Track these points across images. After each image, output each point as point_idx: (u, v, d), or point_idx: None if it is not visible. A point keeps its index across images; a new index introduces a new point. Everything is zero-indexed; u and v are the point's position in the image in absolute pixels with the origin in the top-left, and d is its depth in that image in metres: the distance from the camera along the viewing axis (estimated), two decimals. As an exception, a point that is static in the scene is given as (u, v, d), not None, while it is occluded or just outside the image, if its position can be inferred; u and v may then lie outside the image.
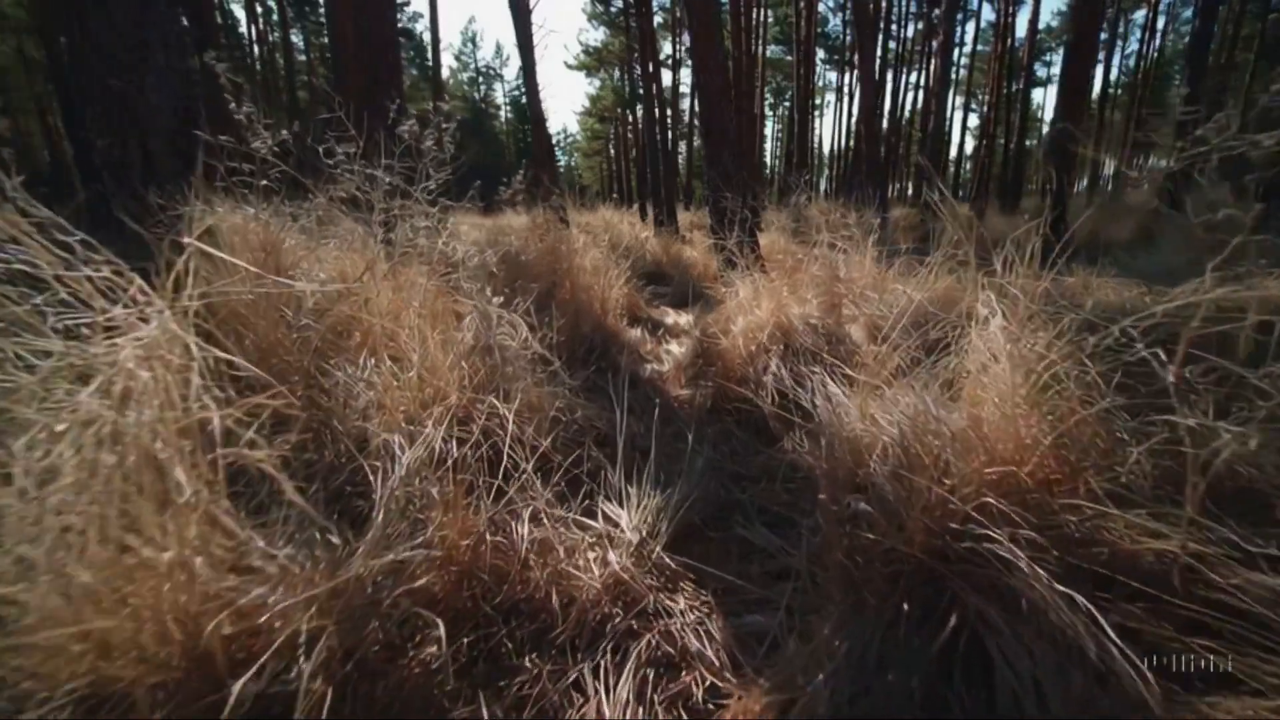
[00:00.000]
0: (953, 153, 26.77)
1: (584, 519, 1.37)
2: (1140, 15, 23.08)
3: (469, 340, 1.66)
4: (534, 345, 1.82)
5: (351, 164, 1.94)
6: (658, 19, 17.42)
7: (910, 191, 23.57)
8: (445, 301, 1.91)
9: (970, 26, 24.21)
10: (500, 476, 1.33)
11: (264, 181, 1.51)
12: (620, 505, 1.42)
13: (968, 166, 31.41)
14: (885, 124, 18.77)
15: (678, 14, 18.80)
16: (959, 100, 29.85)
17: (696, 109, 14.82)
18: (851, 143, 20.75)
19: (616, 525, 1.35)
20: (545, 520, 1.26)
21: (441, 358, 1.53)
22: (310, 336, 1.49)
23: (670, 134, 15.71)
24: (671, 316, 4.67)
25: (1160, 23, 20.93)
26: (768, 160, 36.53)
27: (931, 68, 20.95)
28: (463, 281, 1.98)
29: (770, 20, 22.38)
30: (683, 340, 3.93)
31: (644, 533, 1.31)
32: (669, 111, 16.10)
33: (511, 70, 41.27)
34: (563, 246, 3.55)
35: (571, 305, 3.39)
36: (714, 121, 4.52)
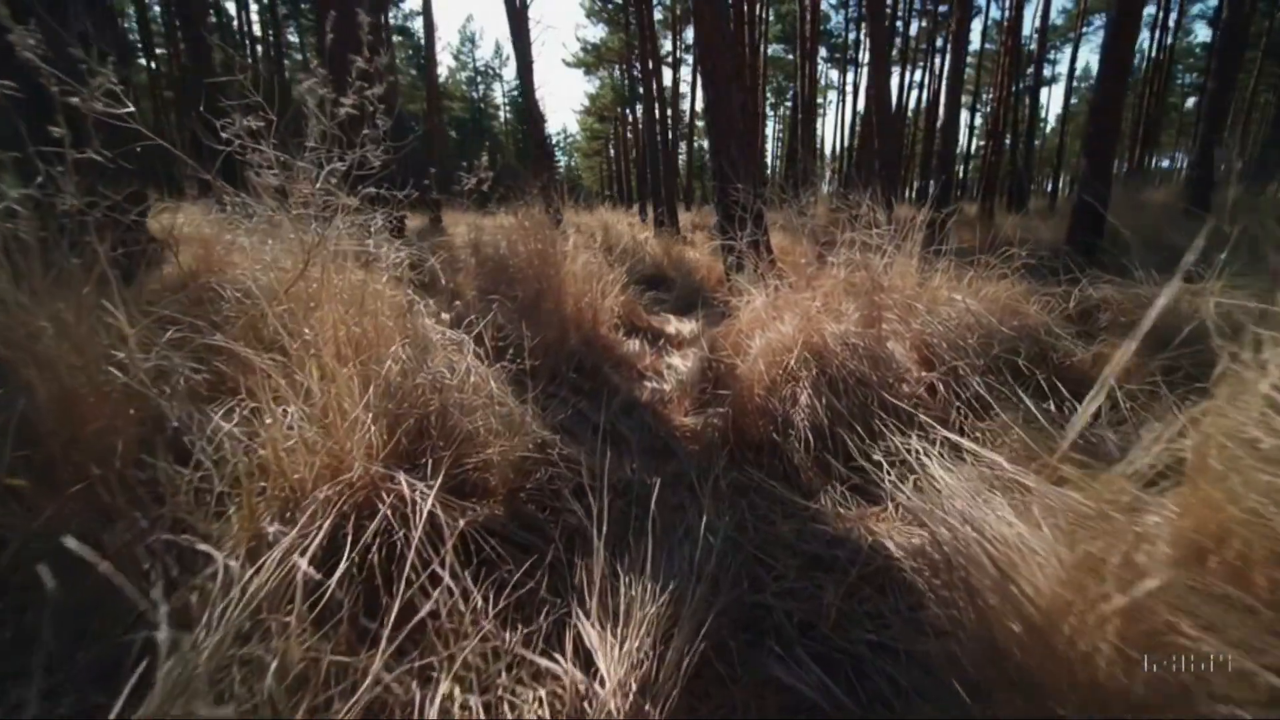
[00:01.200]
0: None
1: (542, 660, 0.90)
2: (1146, 13, 22.59)
3: (395, 376, 1.20)
4: (491, 384, 1.35)
5: (256, 143, 1.48)
6: (657, 14, 17.03)
7: (915, 190, 23.08)
8: (377, 321, 1.44)
9: (976, 24, 23.80)
10: (400, 604, 0.86)
11: (91, 153, 1.04)
12: (601, 626, 0.96)
13: (972, 165, 30.97)
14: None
15: (678, 11, 18.38)
16: (963, 99, 29.42)
17: (699, 101, 14.42)
18: (856, 141, 20.32)
19: (593, 670, 0.89)
20: (472, 683, 0.79)
21: (348, 406, 1.07)
22: (137, 381, 1.03)
23: (671, 133, 15.32)
24: (674, 325, 4.23)
25: (1172, 20, 20.39)
26: (769, 160, 36.12)
27: (935, 65, 20.51)
28: (405, 291, 1.52)
29: (772, 19, 21.96)
30: (686, 352, 3.49)
31: (634, 687, 0.85)
32: (669, 110, 15.69)
33: (511, 70, 40.81)
34: (552, 249, 3.10)
35: (558, 315, 2.94)
36: (720, 108, 4.07)
